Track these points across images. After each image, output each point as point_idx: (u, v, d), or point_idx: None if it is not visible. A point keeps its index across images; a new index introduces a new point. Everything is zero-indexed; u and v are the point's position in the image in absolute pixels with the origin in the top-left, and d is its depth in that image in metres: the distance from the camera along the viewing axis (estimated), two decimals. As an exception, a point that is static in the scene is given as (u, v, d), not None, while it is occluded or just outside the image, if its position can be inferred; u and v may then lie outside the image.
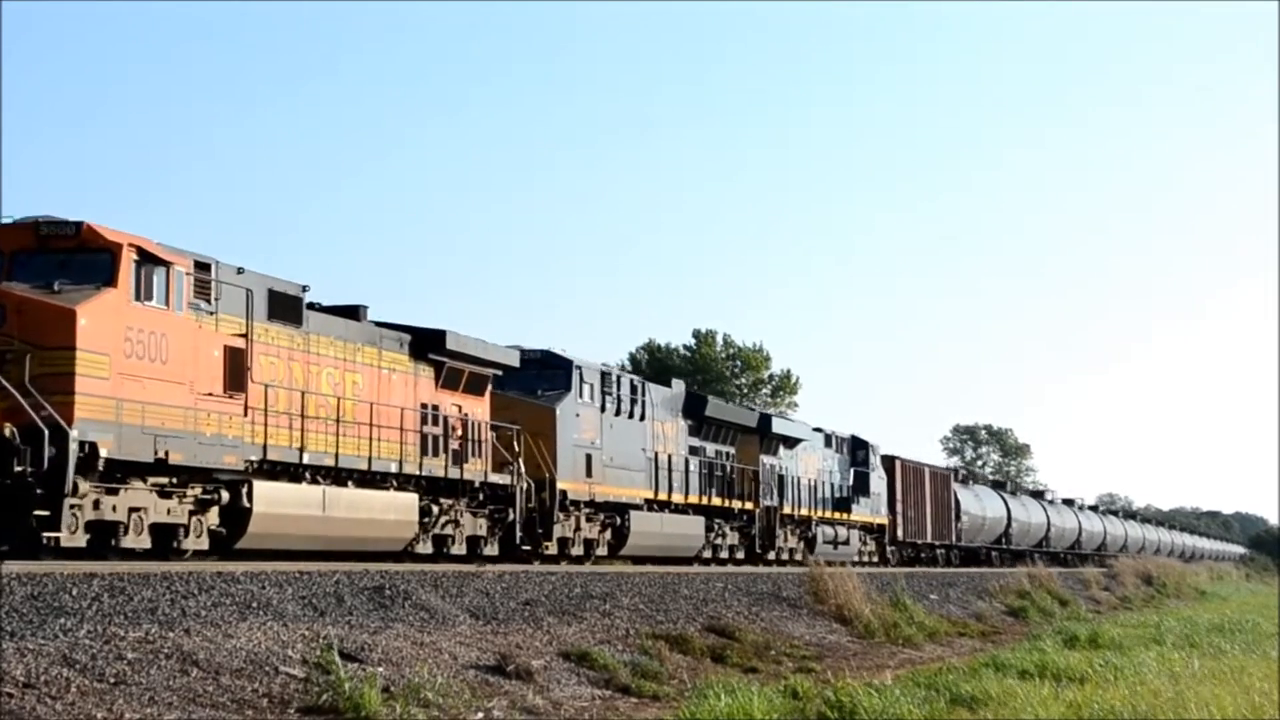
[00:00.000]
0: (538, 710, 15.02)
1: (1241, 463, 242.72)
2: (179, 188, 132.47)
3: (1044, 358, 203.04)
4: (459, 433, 25.71)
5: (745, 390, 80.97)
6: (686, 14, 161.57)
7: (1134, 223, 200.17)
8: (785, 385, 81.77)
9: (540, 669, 16.81)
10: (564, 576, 22.72)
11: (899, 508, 50.99)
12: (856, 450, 47.51)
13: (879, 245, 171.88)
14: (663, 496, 33.19)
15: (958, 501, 58.26)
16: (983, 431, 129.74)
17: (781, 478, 40.22)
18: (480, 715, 14.22)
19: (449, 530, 25.34)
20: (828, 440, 45.48)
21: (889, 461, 50.79)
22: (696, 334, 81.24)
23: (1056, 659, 20.83)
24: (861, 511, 47.03)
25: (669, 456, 33.84)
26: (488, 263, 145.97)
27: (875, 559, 47.72)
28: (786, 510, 40.30)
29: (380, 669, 14.61)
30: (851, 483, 46.69)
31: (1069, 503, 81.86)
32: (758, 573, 31.80)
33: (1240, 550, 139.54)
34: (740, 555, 38.43)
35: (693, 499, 34.96)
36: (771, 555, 39.79)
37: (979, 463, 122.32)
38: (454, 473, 25.22)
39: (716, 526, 36.77)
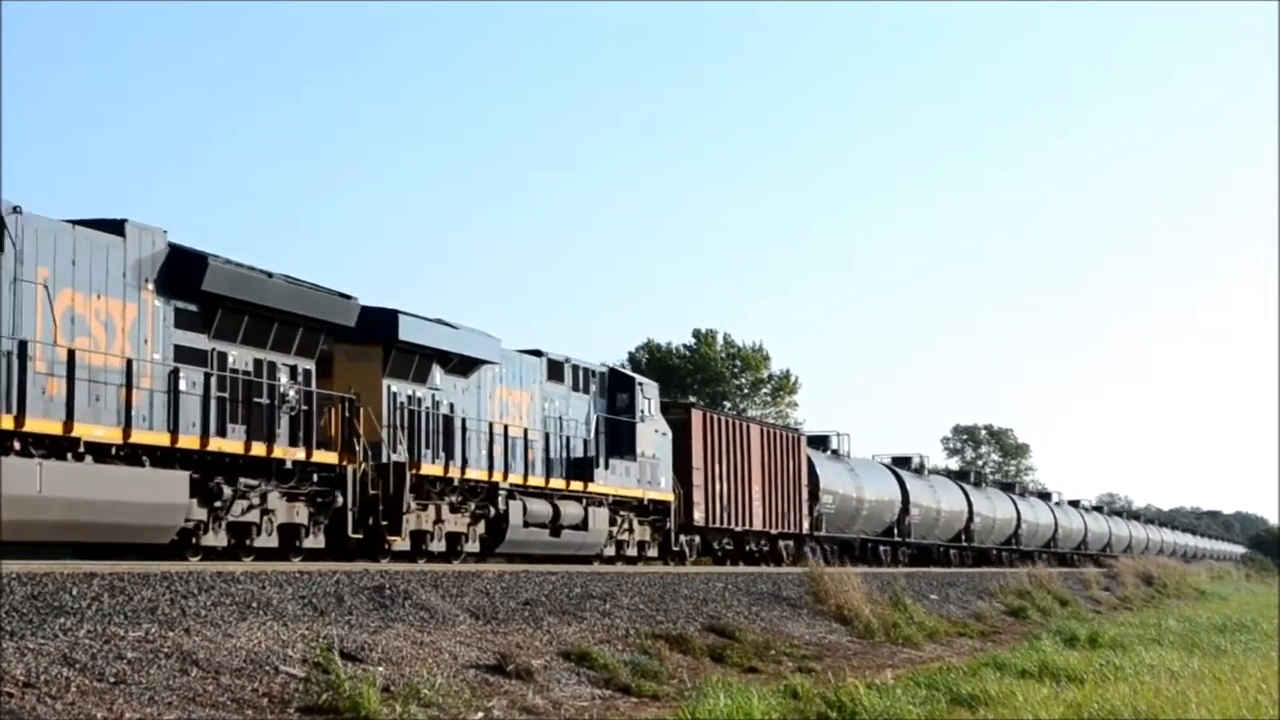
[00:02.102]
0: (538, 710, 15.02)
1: (1241, 463, 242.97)
2: (174, 184, 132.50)
3: (1044, 358, 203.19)
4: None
5: (745, 390, 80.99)
6: (687, 14, 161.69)
7: (1134, 223, 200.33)
8: (785, 385, 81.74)
9: (540, 669, 16.81)
10: (564, 576, 22.73)
11: (699, 479, 36.16)
12: (615, 392, 32.26)
13: (879, 245, 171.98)
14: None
15: (815, 476, 44.19)
16: (983, 431, 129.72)
17: (448, 420, 25.73)
18: (480, 715, 14.22)
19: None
20: (554, 371, 30.03)
21: (683, 412, 36.90)
22: (696, 334, 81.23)
23: (1056, 659, 20.85)
24: (617, 480, 31.38)
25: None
26: (488, 262, 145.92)
27: (654, 552, 33.71)
28: (439, 469, 25.18)
29: (380, 669, 14.61)
30: (603, 438, 31.22)
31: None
32: (758, 572, 31.81)
33: (1240, 550, 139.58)
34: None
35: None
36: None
37: (979, 463, 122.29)
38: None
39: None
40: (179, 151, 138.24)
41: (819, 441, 49.01)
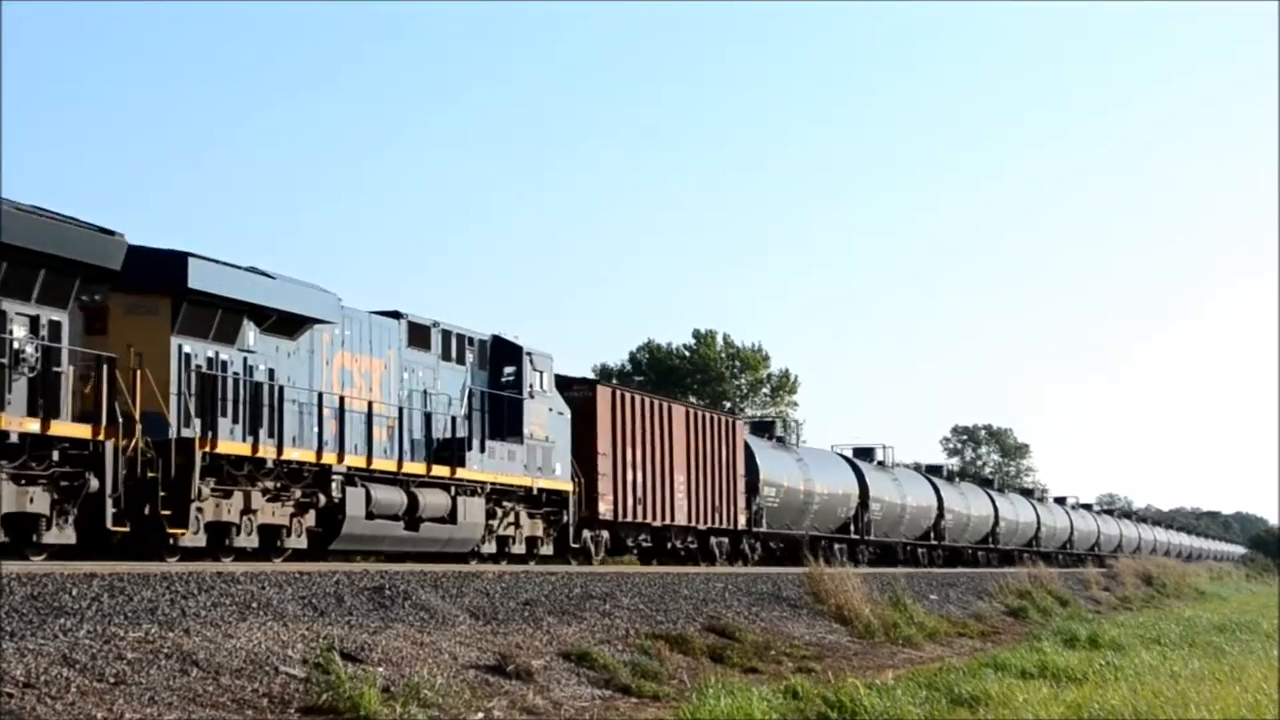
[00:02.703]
0: (538, 710, 15.02)
1: (1241, 463, 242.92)
2: (169, 183, 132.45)
3: (1044, 358, 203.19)
4: None
5: (745, 390, 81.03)
6: (687, 14, 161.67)
7: (1134, 222, 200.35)
8: (784, 385, 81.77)
9: (540, 669, 16.81)
10: (564, 576, 22.72)
11: (606, 466, 31.46)
12: (499, 363, 27.62)
13: (879, 245, 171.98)
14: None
15: (754, 466, 39.75)
16: (982, 432, 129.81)
17: (261, 389, 21.52)
18: (480, 715, 14.22)
19: None
20: (418, 336, 25.58)
21: (587, 389, 31.94)
22: (696, 334, 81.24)
23: (1056, 659, 20.86)
24: (497, 466, 26.81)
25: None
26: (488, 262, 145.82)
27: (548, 549, 29.01)
28: (244, 448, 21.05)
29: (380, 669, 14.61)
30: (481, 416, 26.72)
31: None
32: (758, 573, 31.78)
33: (1240, 550, 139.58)
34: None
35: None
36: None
37: (979, 463, 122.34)
38: None
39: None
40: (171, 146, 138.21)
41: (764, 429, 45.54)
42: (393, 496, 23.90)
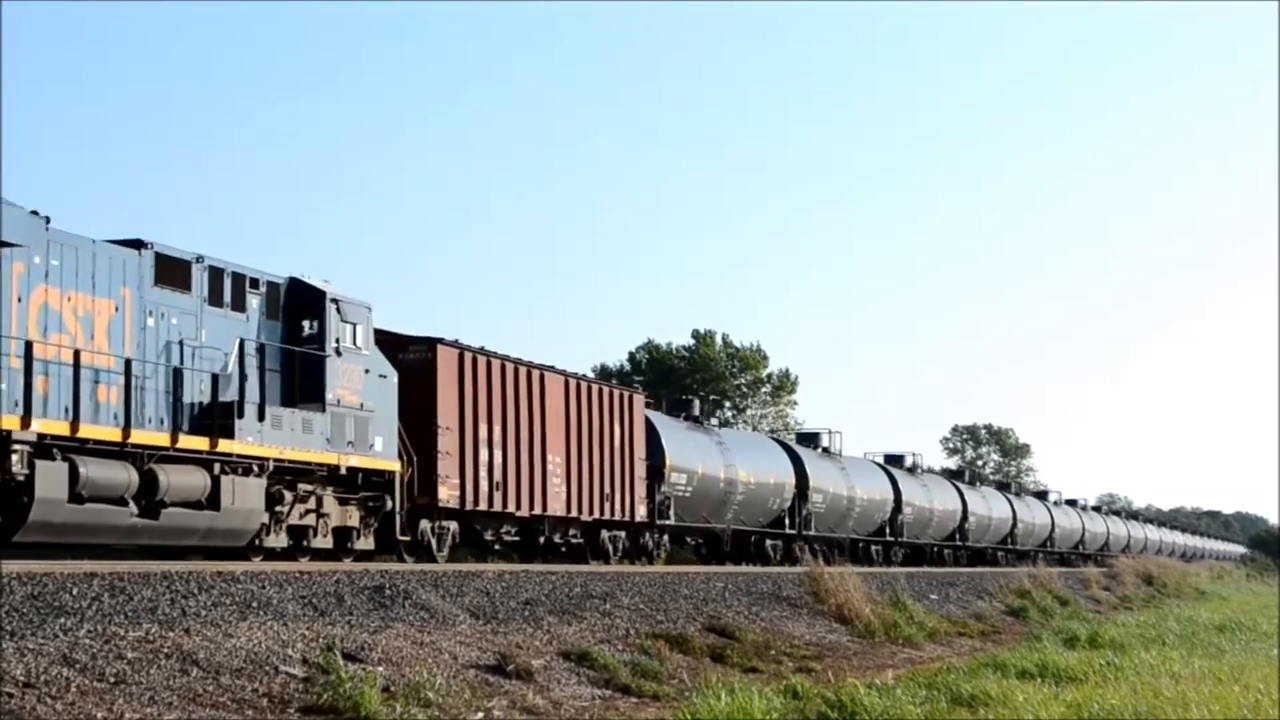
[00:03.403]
0: (538, 710, 15.02)
1: (1241, 463, 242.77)
2: (168, 183, 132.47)
3: (1045, 358, 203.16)
4: None
5: (745, 390, 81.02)
6: (687, 14, 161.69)
7: (1134, 222, 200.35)
8: (784, 385, 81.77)
9: (540, 669, 16.81)
10: (564, 576, 22.71)
11: (449, 443, 26.11)
12: (296, 313, 22.50)
13: (879, 245, 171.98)
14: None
15: (659, 449, 34.41)
16: (983, 431, 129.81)
17: None
18: (480, 715, 14.22)
19: None
20: (170, 273, 20.31)
21: (424, 349, 26.18)
22: (696, 334, 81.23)
23: (1056, 659, 20.84)
24: (285, 438, 21.69)
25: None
26: (488, 263, 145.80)
27: (368, 543, 23.82)
28: None
29: (380, 669, 14.61)
30: (266, 377, 21.70)
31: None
32: (758, 572, 31.76)
33: (1240, 550, 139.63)
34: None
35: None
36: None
37: (979, 463, 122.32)
38: None
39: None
40: (168, 146, 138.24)
41: (680, 407, 40.59)
42: (114, 474, 18.68)
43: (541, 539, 29.25)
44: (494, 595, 19.96)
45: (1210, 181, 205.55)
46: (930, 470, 60.55)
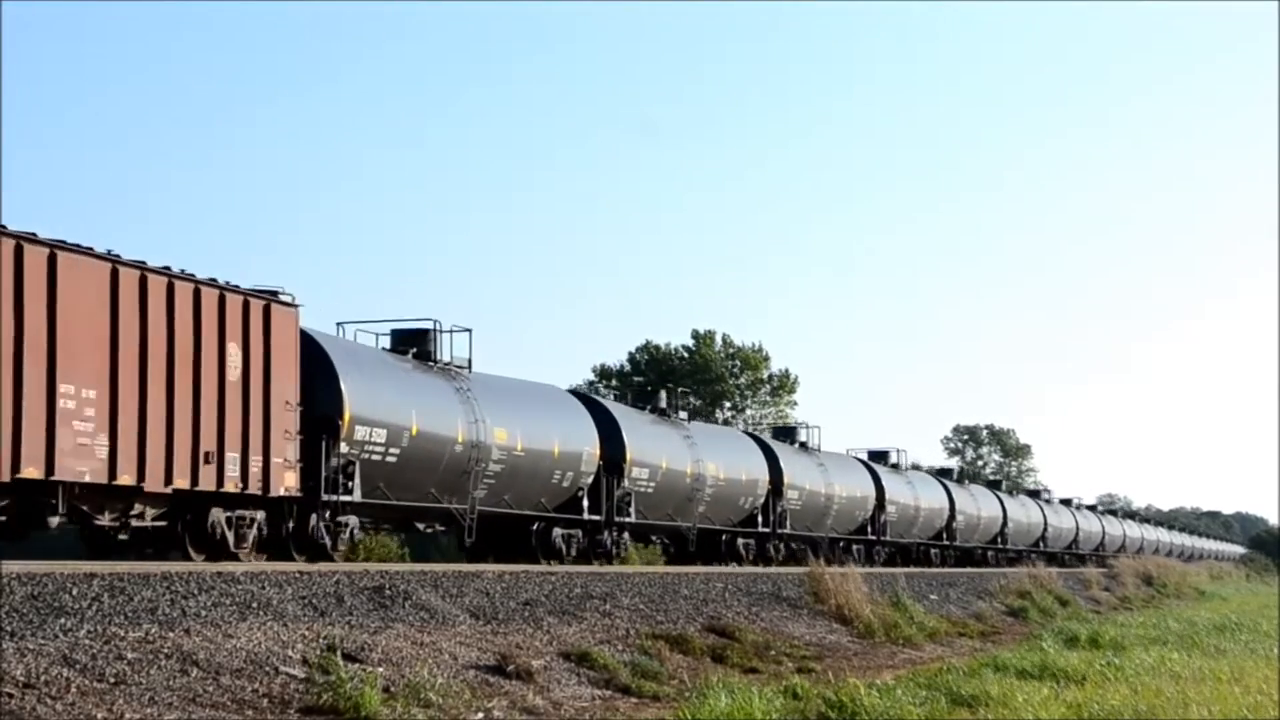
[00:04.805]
0: (538, 710, 15.02)
1: (1241, 463, 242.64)
2: (168, 183, 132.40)
3: (1045, 358, 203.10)
4: None
5: (745, 390, 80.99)
6: (687, 14, 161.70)
7: (1134, 222, 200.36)
8: (785, 385, 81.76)
9: (540, 669, 16.81)
10: (564, 576, 22.72)
11: None
12: None
13: (880, 245, 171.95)
14: None
15: (335, 391, 23.45)
16: (984, 432, 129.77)
17: None
18: (480, 715, 14.22)
19: None
20: None
21: None
22: (696, 334, 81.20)
23: (1056, 659, 20.86)
24: None
25: None
26: (487, 263, 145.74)
27: None
28: None
29: (380, 669, 14.61)
30: None
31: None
32: (758, 572, 31.75)
33: (1240, 550, 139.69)
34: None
35: None
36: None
37: (980, 463, 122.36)
38: None
39: None
40: (166, 150, 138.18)
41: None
42: None
43: (56, 516, 18.47)
44: (494, 595, 19.97)
45: (1210, 182, 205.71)
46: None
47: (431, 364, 27.30)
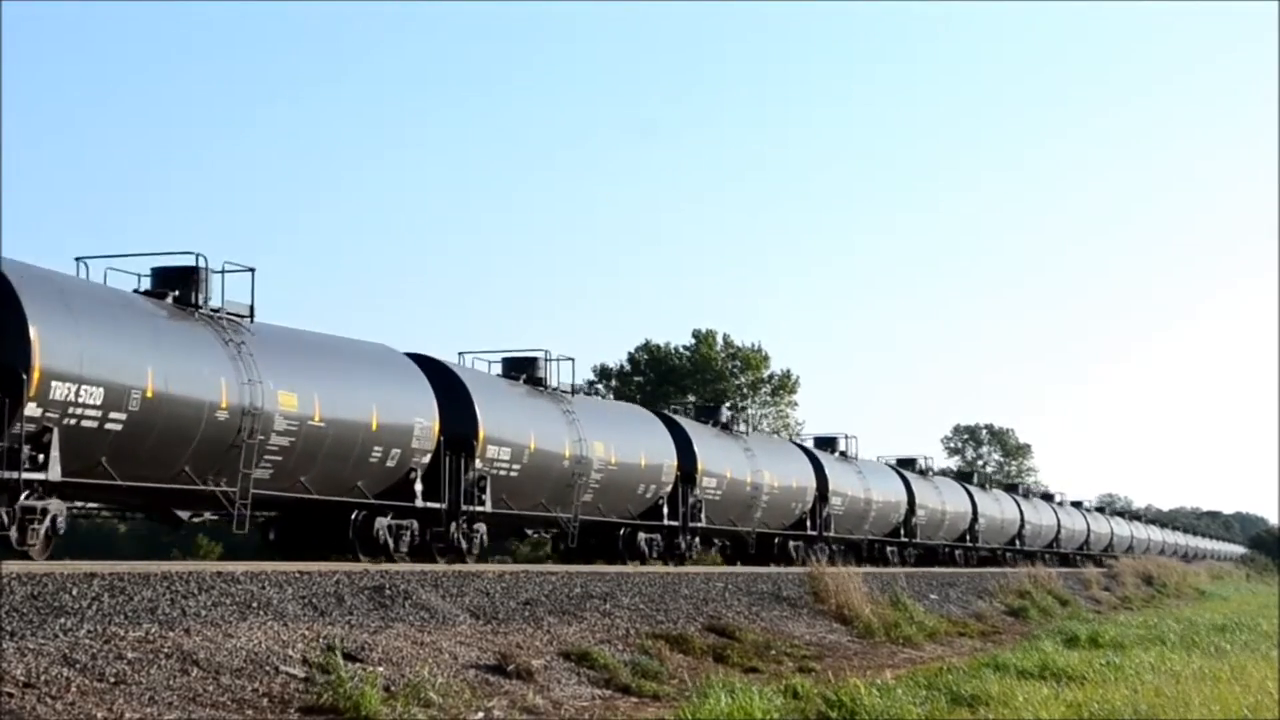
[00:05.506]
0: (538, 710, 15.02)
1: (1241, 463, 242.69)
2: (168, 182, 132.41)
3: (1045, 358, 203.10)
4: None
5: (745, 390, 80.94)
6: (686, 14, 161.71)
7: (1134, 222, 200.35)
8: (785, 385, 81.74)
9: (540, 669, 16.81)
10: (564, 576, 22.71)
11: None
12: None
13: (880, 245, 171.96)
14: None
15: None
16: (984, 432, 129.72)
17: None
18: (480, 715, 14.22)
19: None
20: None
21: None
22: (696, 334, 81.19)
23: (1057, 659, 20.84)
24: None
25: None
26: (488, 264, 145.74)
27: None
28: None
29: (380, 669, 14.61)
30: None
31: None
32: (758, 572, 31.74)
33: (1240, 550, 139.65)
34: None
35: None
36: None
37: (980, 463, 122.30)
38: None
39: None
40: (164, 151, 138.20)
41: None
42: None
43: None
44: (494, 595, 19.96)
45: (1210, 181, 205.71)
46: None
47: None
